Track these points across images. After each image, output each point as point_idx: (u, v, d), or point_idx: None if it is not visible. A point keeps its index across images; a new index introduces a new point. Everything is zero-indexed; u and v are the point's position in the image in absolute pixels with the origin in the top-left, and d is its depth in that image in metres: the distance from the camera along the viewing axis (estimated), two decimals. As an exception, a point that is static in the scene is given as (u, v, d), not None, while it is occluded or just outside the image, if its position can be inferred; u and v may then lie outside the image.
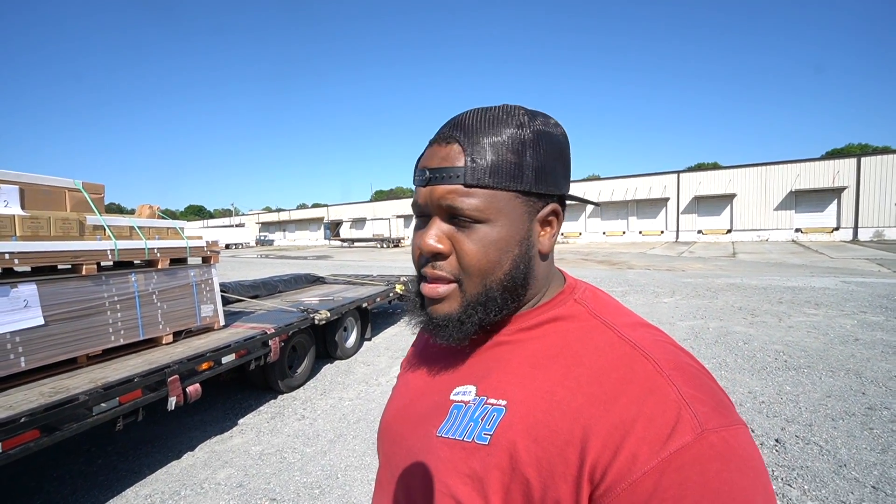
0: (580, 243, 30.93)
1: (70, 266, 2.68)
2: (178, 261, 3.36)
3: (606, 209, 32.09)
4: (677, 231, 29.78)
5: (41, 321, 2.47)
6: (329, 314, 4.34)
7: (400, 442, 0.55)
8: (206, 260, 3.55)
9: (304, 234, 52.64)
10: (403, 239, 37.52)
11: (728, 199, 28.17)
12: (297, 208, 60.49)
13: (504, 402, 0.45)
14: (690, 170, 32.56)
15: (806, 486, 2.39)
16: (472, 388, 0.50)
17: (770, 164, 27.36)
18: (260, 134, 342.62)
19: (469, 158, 0.46)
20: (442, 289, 0.49)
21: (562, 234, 31.54)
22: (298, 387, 4.12)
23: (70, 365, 2.64)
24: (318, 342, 4.59)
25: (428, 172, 0.48)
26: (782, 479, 2.47)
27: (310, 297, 5.54)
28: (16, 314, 2.36)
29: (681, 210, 29.75)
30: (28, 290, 2.42)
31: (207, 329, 3.56)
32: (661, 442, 0.36)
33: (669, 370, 0.41)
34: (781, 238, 26.33)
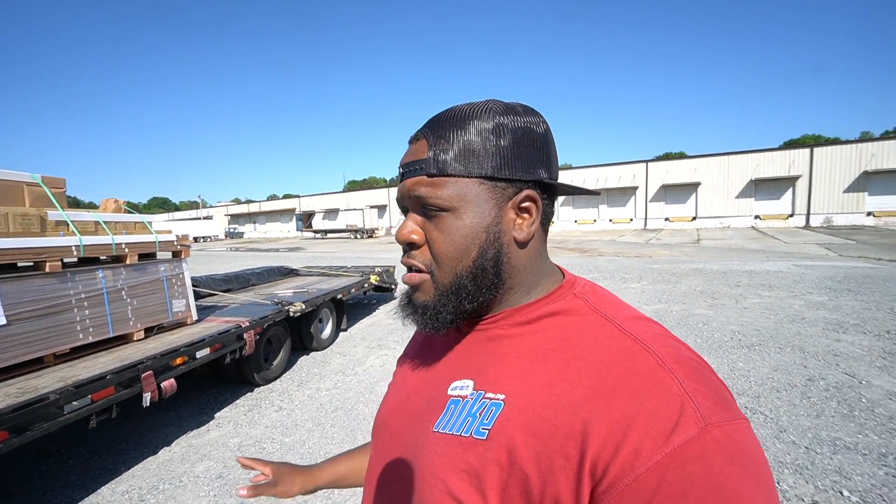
0: (553, 231, 31.53)
1: (32, 263, 2.61)
2: (147, 256, 3.30)
3: (578, 198, 32.75)
4: (646, 219, 30.76)
5: (3, 321, 2.41)
6: (304, 306, 4.35)
7: (396, 437, 0.55)
8: (176, 254, 3.50)
9: (276, 225, 51.46)
10: (377, 230, 37.24)
11: (693, 187, 29.25)
12: (268, 199, 58.94)
13: (502, 397, 0.45)
14: (658, 159, 33.57)
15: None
16: (469, 383, 0.50)
17: (732, 153, 28.53)
18: (227, 124, 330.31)
19: (432, 151, 0.48)
20: (416, 277, 0.51)
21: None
22: (275, 379, 4.13)
23: (36, 365, 2.59)
24: (294, 334, 4.60)
25: (401, 168, 0.51)
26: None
27: (284, 289, 5.51)
28: (-23, 314, 2.29)
29: (649, 198, 30.70)
30: (-11, 288, 2.35)
31: (180, 324, 3.53)
32: (664, 436, 0.35)
33: (672, 364, 0.40)
34: (742, 224, 27.61)
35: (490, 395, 0.46)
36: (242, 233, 50.36)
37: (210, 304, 4.54)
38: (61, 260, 2.70)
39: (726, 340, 4.67)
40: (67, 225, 2.83)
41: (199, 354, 3.08)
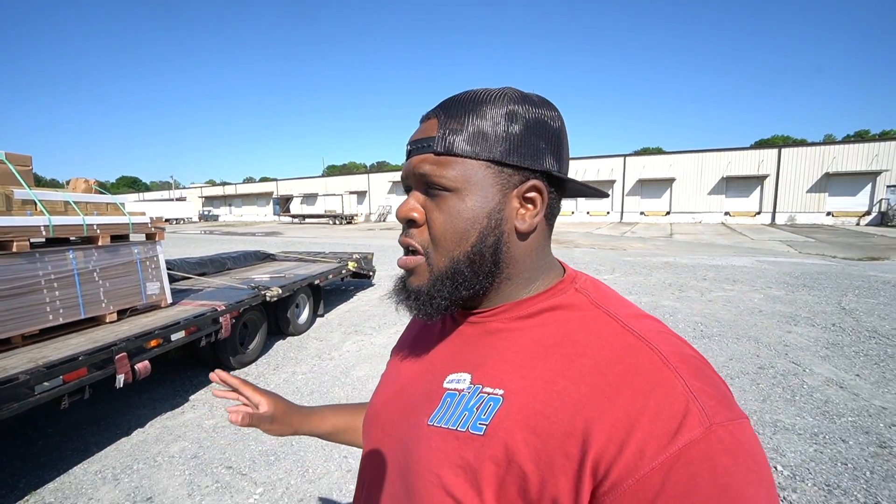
0: (532, 223, 31.78)
1: (-1, 242, 2.55)
2: (120, 237, 3.25)
3: (558, 190, 33.09)
4: (622, 212, 31.42)
5: (-31, 300, 2.36)
6: (280, 291, 4.36)
7: (389, 429, 0.54)
8: (150, 237, 3.46)
9: (252, 209, 50.28)
10: (357, 216, 36.88)
11: (668, 182, 29.98)
12: (244, 182, 57.46)
13: (501, 392, 0.44)
14: (636, 153, 34.22)
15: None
16: (466, 377, 0.49)
17: (706, 150, 29.32)
18: (202, 102, 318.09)
19: (441, 130, 0.47)
20: (412, 261, 0.50)
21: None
22: (250, 363, 4.15)
23: (3, 346, 2.55)
24: (270, 319, 4.61)
25: (409, 146, 0.50)
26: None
27: (260, 274, 5.48)
28: (-58, 292, 2.25)
29: (626, 192, 31.33)
30: (-46, 267, 2.30)
31: (154, 307, 3.50)
32: (669, 436, 0.35)
33: (676, 362, 0.40)
34: (713, 221, 28.54)
35: (488, 389, 0.45)
36: (217, 216, 49.03)
37: (185, 287, 4.50)
38: (29, 240, 2.65)
39: (689, 331, 4.92)
40: (35, 204, 2.77)
41: (174, 337, 3.09)
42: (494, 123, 0.47)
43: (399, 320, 5.51)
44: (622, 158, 31.67)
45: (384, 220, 37.55)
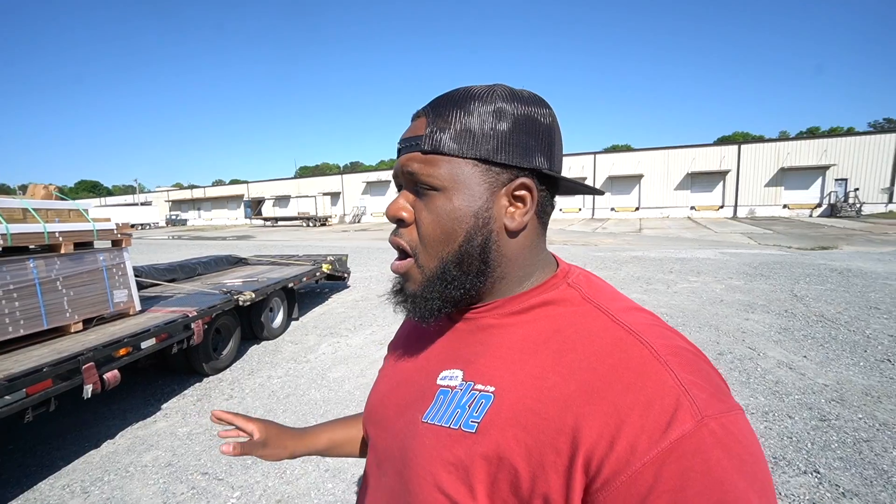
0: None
1: (-48, 253, 2.46)
2: (84, 245, 3.17)
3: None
4: (593, 208, 32.19)
5: (-78, 313, 2.27)
6: (253, 295, 4.32)
7: (385, 426, 0.55)
8: (116, 243, 3.38)
9: (222, 212, 48.89)
10: (331, 217, 36.44)
11: (637, 179, 30.91)
12: (214, 185, 55.81)
13: (492, 389, 0.44)
14: (606, 151, 35.14)
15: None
16: (458, 373, 0.49)
17: (672, 147, 30.38)
18: (166, 103, 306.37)
19: (429, 128, 0.47)
20: (402, 266, 0.50)
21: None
22: (224, 368, 4.10)
23: (-39, 359, 2.46)
24: (244, 324, 4.57)
25: (399, 144, 0.50)
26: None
27: (232, 278, 5.40)
28: None
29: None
30: None
31: (122, 315, 3.43)
32: (660, 430, 0.35)
33: (666, 355, 0.39)
34: (679, 215, 29.60)
35: (480, 386, 0.46)
36: (186, 220, 47.48)
37: (154, 294, 4.40)
38: (-16, 250, 2.56)
39: (654, 321, 5.14)
40: (-9, 212, 2.68)
41: (144, 345, 3.03)
42: (482, 121, 0.46)
43: (374, 321, 5.54)
44: (592, 156, 32.44)
45: (359, 222, 37.24)
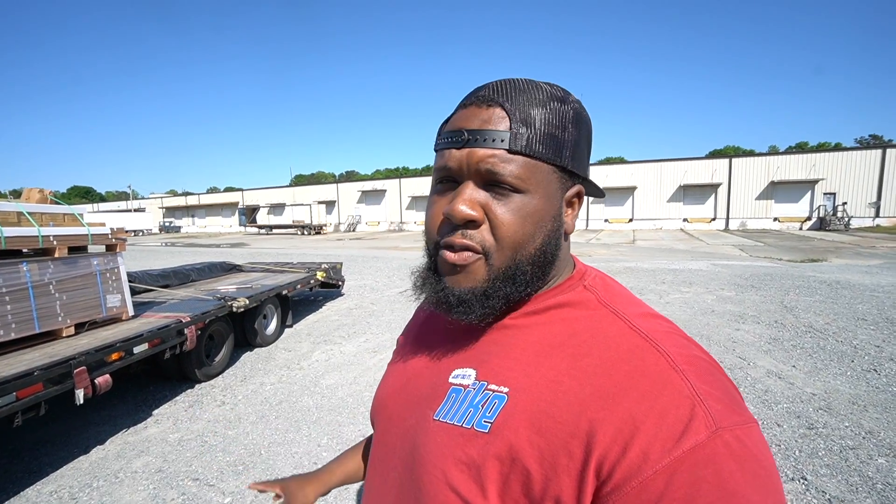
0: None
1: (-54, 255, 2.46)
2: (78, 249, 3.17)
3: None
4: (587, 219, 32.44)
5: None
6: (247, 302, 4.32)
7: (395, 421, 0.54)
8: (110, 248, 3.38)
9: (216, 220, 48.70)
10: (326, 226, 36.40)
11: (630, 190, 31.24)
12: (208, 192, 55.65)
13: (506, 390, 0.44)
14: (600, 163, 35.55)
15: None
16: (471, 372, 0.48)
17: (665, 160, 30.81)
18: (161, 109, 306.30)
19: (514, 124, 0.44)
20: (470, 257, 0.46)
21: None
22: (217, 375, 4.08)
23: (-49, 362, 2.45)
24: (237, 330, 4.55)
25: (466, 134, 0.45)
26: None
27: (226, 285, 5.39)
28: None
29: (590, 201, 32.34)
30: None
31: (115, 320, 3.41)
32: (673, 439, 0.35)
33: (682, 364, 0.39)
34: (672, 227, 29.90)
35: (493, 386, 0.45)
36: (179, 227, 47.21)
37: (147, 300, 4.38)
38: (-22, 252, 2.56)
39: (646, 331, 5.19)
40: (-14, 215, 2.68)
41: (136, 350, 3.02)
42: (563, 126, 0.46)
43: (368, 329, 5.54)
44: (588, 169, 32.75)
45: (354, 230, 37.23)
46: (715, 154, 41.52)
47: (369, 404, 0.65)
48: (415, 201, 37.44)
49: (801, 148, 49.05)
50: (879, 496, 2.19)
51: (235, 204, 46.54)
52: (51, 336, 2.95)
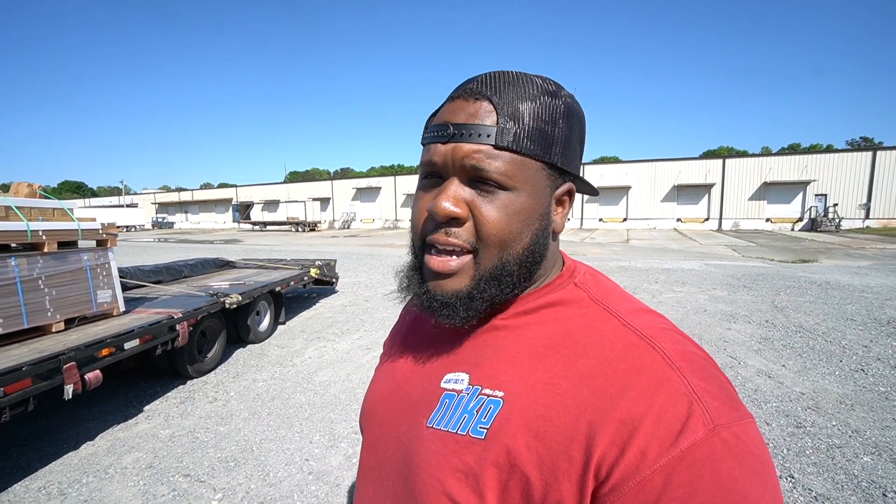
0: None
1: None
2: (68, 244, 3.14)
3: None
4: (581, 218, 32.54)
5: None
6: (240, 298, 4.30)
7: (386, 428, 0.53)
8: (101, 243, 3.35)
9: (210, 216, 48.33)
10: (320, 223, 36.25)
11: (625, 190, 31.37)
12: (202, 188, 55.16)
13: (501, 394, 0.43)
14: (595, 162, 35.64)
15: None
16: (464, 377, 0.47)
17: (659, 160, 30.95)
18: (155, 103, 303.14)
19: (502, 119, 0.43)
20: (454, 263, 0.45)
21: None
22: (209, 371, 4.06)
23: (-63, 358, 2.41)
24: (230, 327, 4.53)
25: (452, 128, 0.44)
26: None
27: (219, 281, 5.36)
28: None
29: (585, 199, 32.48)
30: None
31: (106, 315, 3.38)
32: (671, 438, 0.35)
33: (679, 361, 0.39)
34: (666, 227, 30.07)
35: (487, 391, 0.44)
36: (172, 223, 46.80)
37: (139, 295, 4.34)
38: (-34, 246, 2.53)
39: (639, 329, 5.22)
40: (-27, 209, 2.65)
41: (127, 346, 3.00)
42: (553, 121, 0.44)
43: (362, 326, 5.53)
44: (582, 167, 32.72)
45: (348, 227, 37.11)
46: (709, 154, 41.81)
47: (362, 402, 0.64)
48: (410, 199, 37.28)
49: (793, 149, 49.54)
50: (864, 494, 2.22)
51: (229, 200, 46.22)
52: (40, 332, 2.92)
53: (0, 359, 2.47)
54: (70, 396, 2.57)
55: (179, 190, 54.64)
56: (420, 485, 0.45)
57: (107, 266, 3.36)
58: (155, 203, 52.15)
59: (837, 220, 24.95)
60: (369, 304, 6.87)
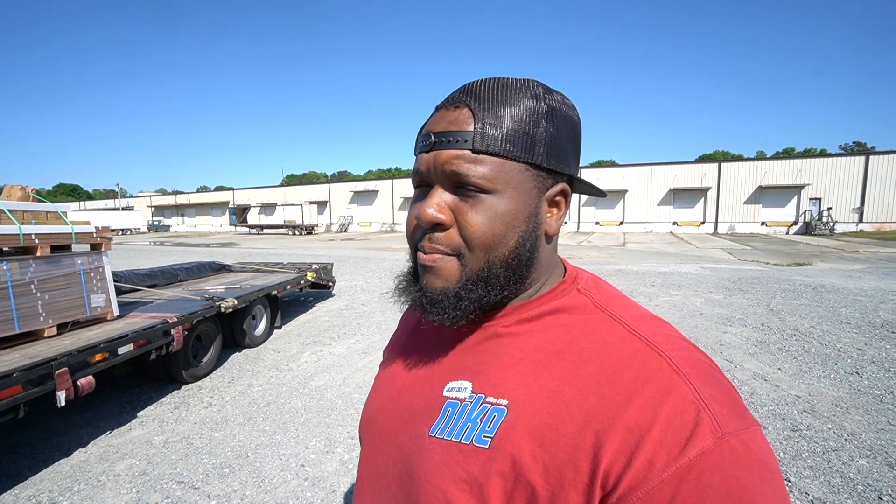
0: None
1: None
2: (62, 248, 3.11)
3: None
4: (578, 222, 32.65)
5: None
6: (236, 302, 4.27)
7: (387, 438, 0.52)
8: (95, 247, 3.33)
9: (206, 219, 48.17)
10: (317, 226, 36.19)
11: (621, 193, 31.50)
12: (198, 191, 55.04)
13: (505, 402, 0.43)
14: (592, 166, 35.78)
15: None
16: (467, 385, 0.47)
17: (655, 164, 31.12)
18: (152, 106, 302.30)
19: (479, 123, 0.43)
20: (440, 259, 0.46)
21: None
22: (204, 376, 4.03)
23: (-74, 363, 2.38)
24: (225, 331, 4.50)
25: (433, 137, 0.45)
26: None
27: (215, 285, 5.33)
28: None
29: (582, 203, 32.62)
30: None
31: (99, 320, 3.35)
32: (679, 447, 0.34)
33: (686, 368, 0.39)
34: (662, 230, 30.19)
35: (491, 399, 0.44)
36: (168, 226, 46.63)
37: (133, 299, 4.31)
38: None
39: (636, 333, 5.22)
40: (-34, 213, 2.62)
41: (121, 351, 2.97)
42: (534, 122, 0.44)
43: (359, 330, 5.51)
44: (579, 170, 32.96)
45: (345, 231, 37.07)
46: (704, 158, 42.08)
47: (359, 406, 0.64)
48: (407, 202, 37.34)
49: (787, 153, 49.91)
50: (860, 497, 2.22)
51: (226, 203, 46.08)
52: (32, 336, 2.89)
53: (-9, 364, 2.45)
54: (63, 403, 2.53)
55: (176, 193, 54.46)
56: (422, 495, 0.44)
57: (101, 270, 3.33)
58: (151, 206, 51.93)
59: (831, 224, 25.13)
60: (366, 307, 6.85)
